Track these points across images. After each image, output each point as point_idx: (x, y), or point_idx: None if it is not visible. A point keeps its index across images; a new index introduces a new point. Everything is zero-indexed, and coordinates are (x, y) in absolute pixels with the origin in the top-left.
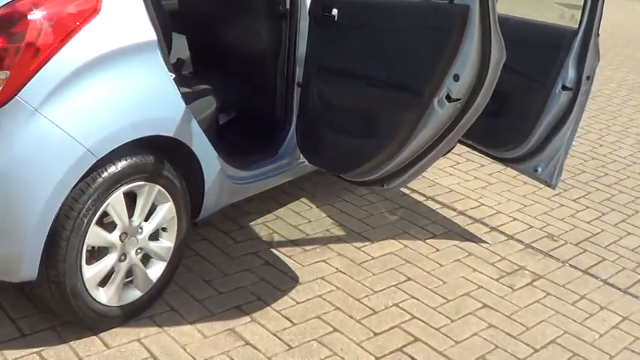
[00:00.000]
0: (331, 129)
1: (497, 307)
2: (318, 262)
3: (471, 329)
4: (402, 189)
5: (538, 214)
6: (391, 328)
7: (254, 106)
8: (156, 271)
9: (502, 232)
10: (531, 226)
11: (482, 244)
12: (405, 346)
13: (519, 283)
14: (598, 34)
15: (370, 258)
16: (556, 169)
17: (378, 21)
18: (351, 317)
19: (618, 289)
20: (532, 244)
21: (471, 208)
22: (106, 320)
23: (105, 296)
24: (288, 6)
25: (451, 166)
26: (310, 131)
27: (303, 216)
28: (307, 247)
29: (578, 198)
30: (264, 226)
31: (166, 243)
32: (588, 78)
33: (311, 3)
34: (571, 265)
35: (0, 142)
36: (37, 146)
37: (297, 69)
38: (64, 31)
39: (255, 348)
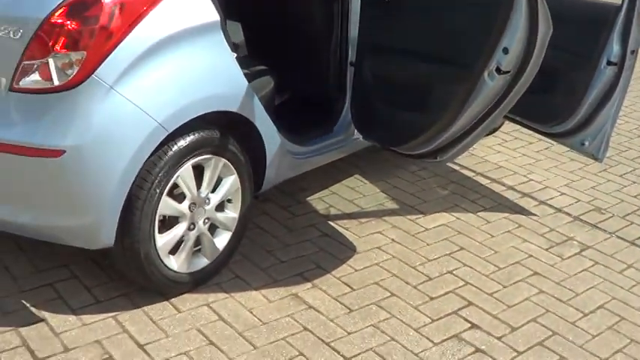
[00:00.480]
0: (386, 105)
1: (547, 275)
2: (374, 233)
3: (523, 295)
4: (452, 165)
5: (585, 188)
6: (446, 293)
7: (308, 86)
8: (222, 240)
9: (551, 206)
10: (579, 200)
11: (532, 217)
12: (459, 309)
13: (568, 253)
14: None
15: (424, 229)
16: (603, 143)
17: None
18: (407, 283)
19: None
20: (580, 217)
21: (520, 183)
22: (177, 286)
23: (175, 263)
24: None
25: (499, 144)
26: (364, 108)
27: (357, 191)
28: (362, 220)
29: (625, 174)
30: (320, 201)
31: (231, 214)
32: (633, 52)
33: None
34: (618, 237)
35: (79, 118)
36: (113, 121)
37: (350, 49)
38: (134, 14)
39: (318, 311)
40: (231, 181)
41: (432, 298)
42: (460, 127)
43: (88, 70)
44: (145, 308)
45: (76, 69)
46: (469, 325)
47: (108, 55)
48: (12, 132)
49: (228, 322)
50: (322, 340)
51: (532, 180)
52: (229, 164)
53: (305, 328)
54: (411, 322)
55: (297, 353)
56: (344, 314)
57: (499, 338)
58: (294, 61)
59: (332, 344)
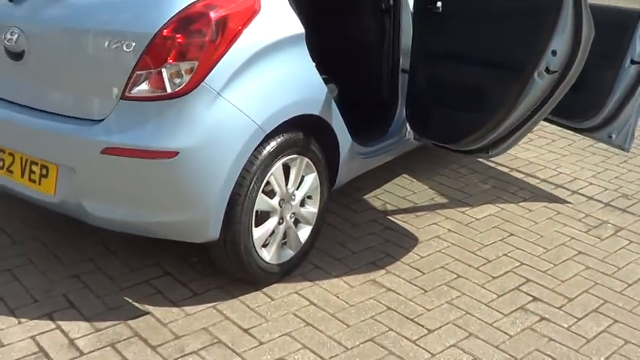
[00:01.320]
0: (441, 106)
1: (590, 254)
2: (431, 224)
3: (572, 271)
4: (488, 163)
5: (611, 178)
6: (505, 273)
7: (364, 92)
8: (304, 233)
9: (582, 194)
10: (607, 189)
11: (567, 205)
12: (520, 285)
13: (605, 234)
14: None
15: (474, 219)
16: (628, 135)
17: (481, 8)
18: (470, 266)
19: None
20: (610, 203)
21: (552, 176)
22: (268, 276)
23: (268, 255)
24: (391, 2)
25: (526, 142)
26: (420, 110)
27: (408, 189)
28: (418, 214)
29: None
30: (376, 199)
31: (312, 209)
32: None
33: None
34: None
35: (190, 122)
36: (220, 124)
37: (401, 57)
38: (235, 27)
39: (396, 293)
40: (312, 179)
41: (494, 278)
42: (511, 124)
43: (198, 78)
44: (241, 298)
45: (186, 77)
46: (531, 298)
47: (215, 65)
48: (127, 136)
49: (319, 306)
50: (406, 317)
51: (562, 173)
52: (311, 163)
53: (389, 308)
54: (480, 298)
55: (387, 329)
56: (420, 294)
57: (559, 308)
58: (351, 70)
59: (416, 320)
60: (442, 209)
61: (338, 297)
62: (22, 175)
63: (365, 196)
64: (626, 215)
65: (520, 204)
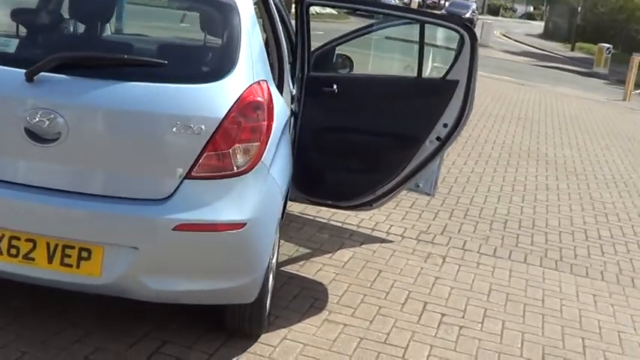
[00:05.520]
0: (335, 171)
1: (445, 277)
2: (319, 270)
3: (446, 290)
4: (308, 216)
5: (399, 219)
6: (406, 300)
7: None
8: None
9: (394, 234)
10: (406, 228)
11: (393, 243)
12: (426, 305)
13: (438, 262)
14: None
15: (343, 262)
16: (432, 183)
17: (380, 91)
18: (379, 298)
19: (488, 255)
20: (419, 238)
21: (360, 222)
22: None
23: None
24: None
25: None
26: (310, 175)
27: None
28: (300, 263)
29: (411, 206)
30: None
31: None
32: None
33: (308, 82)
34: (453, 247)
35: (252, 196)
36: (269, 195)
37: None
38: (271, 112)
39: (352, 326)
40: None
41: (402, 304)
42: (399, 181)
43: (259, 157)
44: (250, 350)
45: (249, 157)
46: (440, 315)
47: (267, 145)
48: (198, 213)
49: (315, 346)
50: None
51: (363, 219)
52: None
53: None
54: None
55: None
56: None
57: (462, 317)
58: None
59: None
60: (313, 257)
61: (316, 336)
62: (50, 261)
63: None
64: (437, 246)
65: (362, 246)
